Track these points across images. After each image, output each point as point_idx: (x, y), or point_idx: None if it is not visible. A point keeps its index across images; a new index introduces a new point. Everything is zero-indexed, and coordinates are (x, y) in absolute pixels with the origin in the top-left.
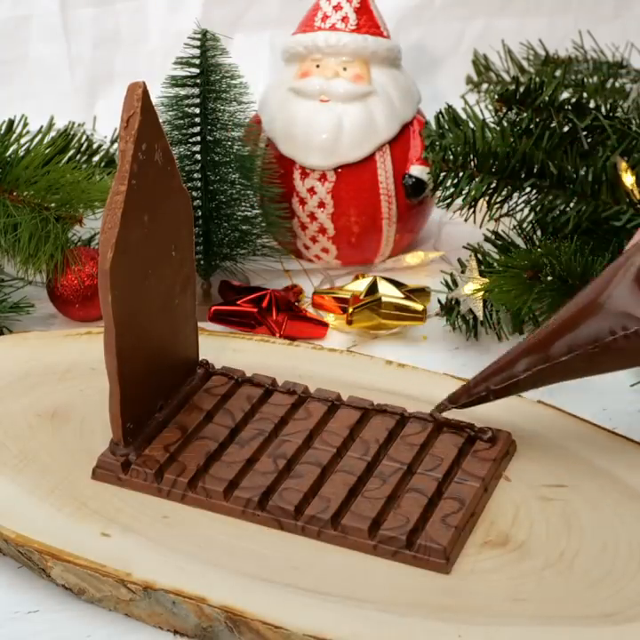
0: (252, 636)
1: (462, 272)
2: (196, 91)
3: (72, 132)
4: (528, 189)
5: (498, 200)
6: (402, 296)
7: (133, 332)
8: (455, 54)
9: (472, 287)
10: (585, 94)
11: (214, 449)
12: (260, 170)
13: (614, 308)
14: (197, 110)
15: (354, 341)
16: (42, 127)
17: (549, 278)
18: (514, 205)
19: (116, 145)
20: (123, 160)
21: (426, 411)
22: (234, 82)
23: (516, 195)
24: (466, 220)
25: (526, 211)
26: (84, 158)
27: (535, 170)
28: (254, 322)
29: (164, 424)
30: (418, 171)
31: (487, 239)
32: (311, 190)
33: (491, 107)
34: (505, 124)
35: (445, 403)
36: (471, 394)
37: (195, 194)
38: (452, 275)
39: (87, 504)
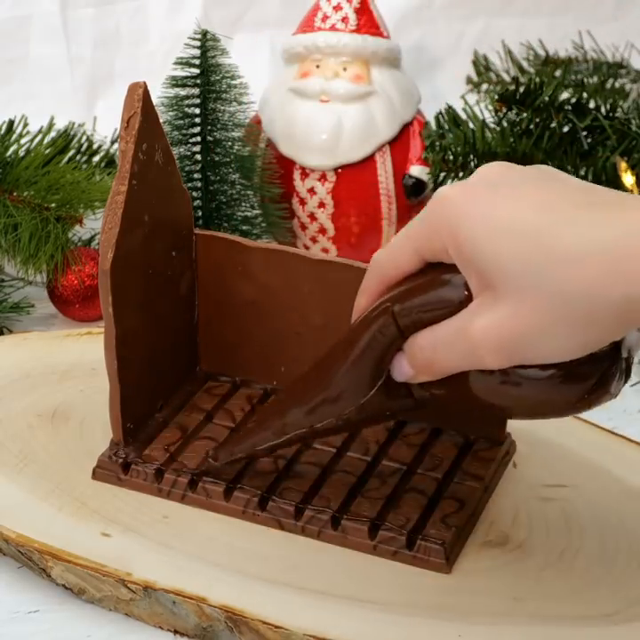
0: (252, 636)
1: None
2: (197, 91)
3: (72, 133)
4: None
5: None
6: None
7: (133, 332)
8: (455, 54)
9: None
10: (585, 94)
11: None
12: (260, 170)
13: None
14: (197, 110)
15: None
16: (42, 127)
17: None
18: None
19: (116, 145)
20: (123, 160)
21: None
22: (234, 82)
23: None
24: None
25: None
26: (85, 158)
27: None
28: None
29: (164, 424)
30: (418, 171)
31: None
32: (311, 190)
33: (491, 107)
34: (505, 124)
35: (209, 461)
36: (233, 453)
37: (195, 194)
38: None
39: (87, 504)
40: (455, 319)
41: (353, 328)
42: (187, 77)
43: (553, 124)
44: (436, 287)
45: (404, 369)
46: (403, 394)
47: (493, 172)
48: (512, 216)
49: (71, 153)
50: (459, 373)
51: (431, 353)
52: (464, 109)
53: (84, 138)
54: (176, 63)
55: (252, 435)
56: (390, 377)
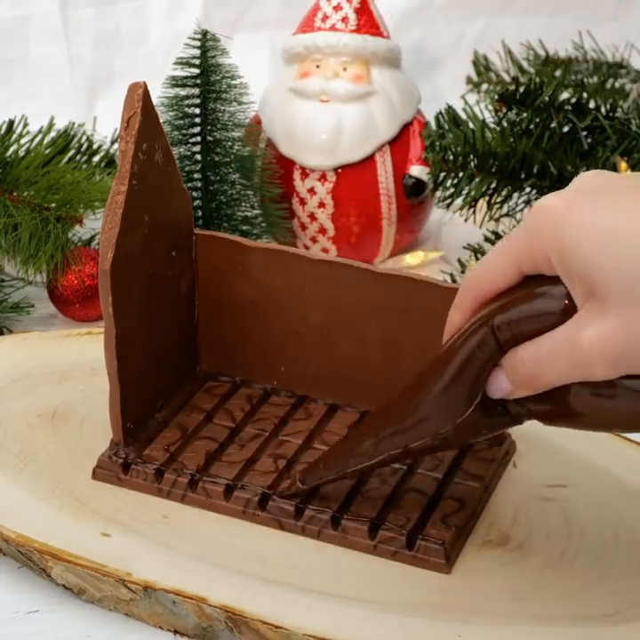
0: (252, 636)
1: (462, 272)
2: (197, 91)
3: (72, 133)
4: (528, 189)
5: (498, 200)
6: None
7: (133, 332)
8: (455, 54)
9: None
10: (585, 94)
11: (214, 449)
12: (260, 170)
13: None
14: (197, 110)
15: None
16: (42, 127)
17: None
18: (514, 205)
19: (116, 145)
20: (123, 160)
21: None
22: (234, 82)
23: (516, 195)
24: (466, 220)
25: (526, 211)
26: (85, 158)
27: (535, 170)
28: None
29: (164, 424)
30: (418, 171)
31: (487, 239)
32: (311, 190)
33: (491, 107)
34: (505, 124)
35: (297, 484)
36: (322, 476)
37: (195, 194)
38: (451, 275)
39: (87, 504)
40: (560, 330)
41: (448, 346)
42: (187, 77)
43: (553, 124)
44: (537, 298)
45: (502, 385)
46: (499, 411)
47: (591, 180)
48: (615, 221)
49: (71, 153)
50: (557, 387)
51: (535, 366)
52: (464, 109)
53: (84, 138)
54: (176, 63)
55: (341, 456)
56: (485, 394)
